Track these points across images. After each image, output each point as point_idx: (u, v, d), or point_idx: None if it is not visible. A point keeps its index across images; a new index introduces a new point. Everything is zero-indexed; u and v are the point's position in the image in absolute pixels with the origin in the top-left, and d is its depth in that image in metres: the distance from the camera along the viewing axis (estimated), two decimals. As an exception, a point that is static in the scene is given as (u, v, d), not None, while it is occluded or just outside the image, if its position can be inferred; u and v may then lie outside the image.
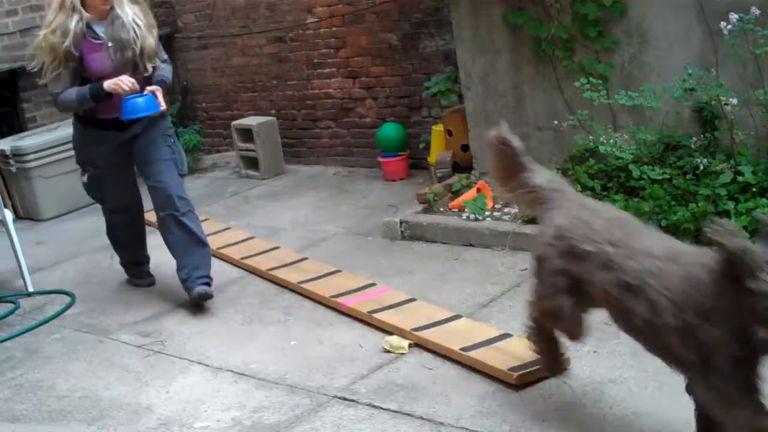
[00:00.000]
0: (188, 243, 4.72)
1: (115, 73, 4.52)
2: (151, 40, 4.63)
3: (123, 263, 5.30)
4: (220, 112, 8.29)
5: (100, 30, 4.57)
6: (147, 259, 5.27)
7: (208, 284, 4.72)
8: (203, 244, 4.79)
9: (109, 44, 4.55)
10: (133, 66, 4.60)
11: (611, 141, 4.58)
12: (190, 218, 4.74)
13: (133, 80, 4.48)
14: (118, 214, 5.02)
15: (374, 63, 6.94)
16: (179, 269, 4.77)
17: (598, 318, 3.95)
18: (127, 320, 4.76)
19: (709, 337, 2.46)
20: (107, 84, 4.47)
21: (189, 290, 4.70)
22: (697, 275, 2.49)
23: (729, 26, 4.20)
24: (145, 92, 4.53)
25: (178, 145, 4.91)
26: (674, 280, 2.55)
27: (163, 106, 4.57)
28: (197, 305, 4.70)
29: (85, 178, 4.91)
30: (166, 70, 4.78)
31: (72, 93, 4.56)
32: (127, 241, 5.18)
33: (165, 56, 4.84)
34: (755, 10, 4.16)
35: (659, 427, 3.07)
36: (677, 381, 3.34)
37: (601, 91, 4.71)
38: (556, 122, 5.14)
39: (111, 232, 5.17)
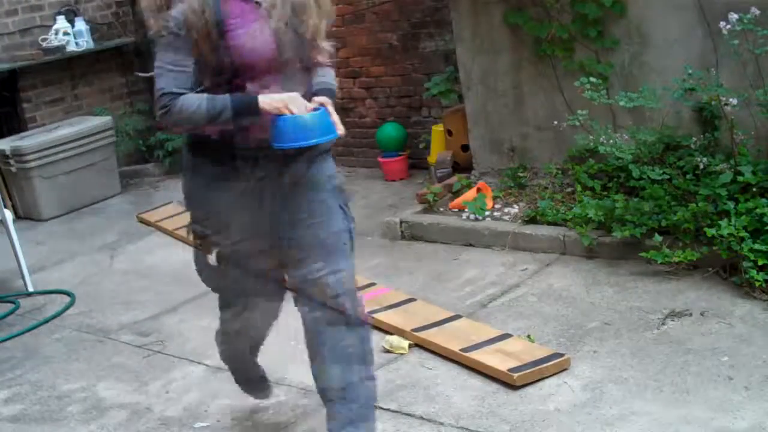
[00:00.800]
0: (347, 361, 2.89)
1: (281, 62, 2.73)
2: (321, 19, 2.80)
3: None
4: (220, 112, 8.27)
5: None
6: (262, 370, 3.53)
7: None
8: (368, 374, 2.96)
9: (268, 4, 2.70)
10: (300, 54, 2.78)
11: (611, 141, 4.58)
12: (362, 331, 2.92)
13: (307, 104, 2.71)
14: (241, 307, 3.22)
15: (374, 63, 6.93)
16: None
17: (598, 318, 3.96)
18: (127, 320, 4.76)
19: None
20: (264, 101, 2.66)
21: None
22: None
23: (728, 26, 4.19)
24: (312, 105, 2.73)
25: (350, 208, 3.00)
26: None
27: (341, 129, 2.74)
28: None
29: (213, 257, 2.96)
30: (330, 75, 2.93)
31: (201, 102, 2.66)
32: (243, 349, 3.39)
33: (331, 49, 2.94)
34: (755, 11, 4.16)
35: (659, 427, 3.07)
36: (677, 381, 3.35)
37: (601, 91, 4.71)
38: (555, 122, 5.13)
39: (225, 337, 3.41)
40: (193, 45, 2.65)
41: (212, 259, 2.95)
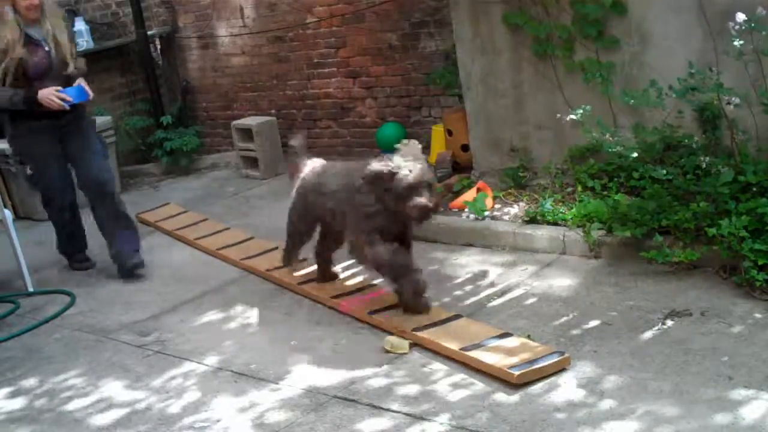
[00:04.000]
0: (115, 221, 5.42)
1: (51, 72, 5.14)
2: (68, 43, 5.26)
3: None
4: (220, 112, 8.29)
5: (35, 33, 5.14)
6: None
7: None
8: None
9: (46, 47, 5.16)
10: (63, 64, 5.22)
11: (616, 138, 4.57)
12: (117, 197, 5.48)
13: (58, 93, 5.06)
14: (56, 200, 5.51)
15: (374, 63, 6.94)
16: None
17: (598, 318, 3.96)
18: (127, 320, 4.76)
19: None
20: (41, 97, 5.04)
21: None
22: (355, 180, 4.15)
23: (737, 26, 4.15)
24: (75, 84, 5.16)
25: (101, 135, 5.91)
26: (343, 184, 4.28)
27: (90, 94, 5.21)
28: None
29: (28, 170, 5.57)
30: (81, 63, 5.44)
31: (5, 92, 5.09)
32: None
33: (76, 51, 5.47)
34: (762, 11, 4.15)
35: (659, 427, 3.07)
36: (677, 381, 3.35)
37: (609, 87, 4.70)
38: (558, 115, 5.06)
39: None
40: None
41: (29, 172, 5.61)
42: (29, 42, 5.10)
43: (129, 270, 5.36)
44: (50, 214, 5.64)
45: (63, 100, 5.06)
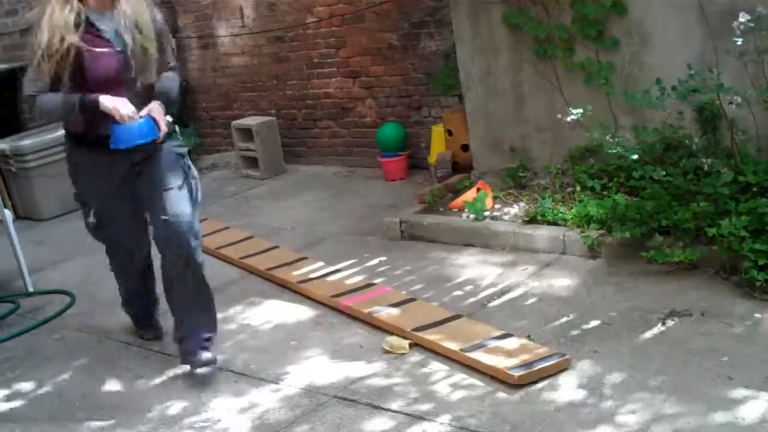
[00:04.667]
0: (196, 293, 3.96)
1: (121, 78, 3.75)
2: (154, 42, 3.80)
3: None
4: (220, 111, 8.28)
5: (102, 24, 3.75)
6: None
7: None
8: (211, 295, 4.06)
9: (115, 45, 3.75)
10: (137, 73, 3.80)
11: (616, 140, 4.57)
12: (200, 261, 3.92)
13: (134, 110, 3.68)
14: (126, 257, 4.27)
15: (374, 63, 6.94)
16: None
17: (598, 318, 3.96)
18: (127, 320, 4.75)
19: None
20: (105, 102, 3.65)
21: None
22: None
23: (742, 25, 4.14)
24: (141, 115, 3.71)
25: (192, 168, 4.02)
26: None
27: (162, 129, 3.76)
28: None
29: (91, 218, 4.03)
30: (170, 80, 3.95)
31: (56, 98, 3.70)
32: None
33: (173, 63, 4.03)
34: (762, 11, 4.15)
35: (659, 427, 3.07)
36: (677, 381, 3.35)
37: (611, 89, 4.71)
38: (559, 115, 5.05)
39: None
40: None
41: (91, 219, 4.04)
42: (90, 32, 3.67)
43: (194, 366, 3.96)
44: (114, 270, 4.43)
45: (126, 136, 3.69)
